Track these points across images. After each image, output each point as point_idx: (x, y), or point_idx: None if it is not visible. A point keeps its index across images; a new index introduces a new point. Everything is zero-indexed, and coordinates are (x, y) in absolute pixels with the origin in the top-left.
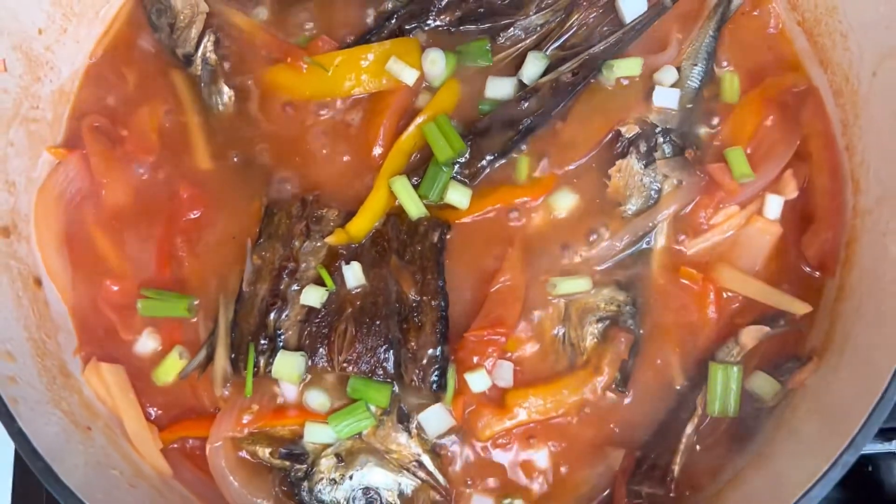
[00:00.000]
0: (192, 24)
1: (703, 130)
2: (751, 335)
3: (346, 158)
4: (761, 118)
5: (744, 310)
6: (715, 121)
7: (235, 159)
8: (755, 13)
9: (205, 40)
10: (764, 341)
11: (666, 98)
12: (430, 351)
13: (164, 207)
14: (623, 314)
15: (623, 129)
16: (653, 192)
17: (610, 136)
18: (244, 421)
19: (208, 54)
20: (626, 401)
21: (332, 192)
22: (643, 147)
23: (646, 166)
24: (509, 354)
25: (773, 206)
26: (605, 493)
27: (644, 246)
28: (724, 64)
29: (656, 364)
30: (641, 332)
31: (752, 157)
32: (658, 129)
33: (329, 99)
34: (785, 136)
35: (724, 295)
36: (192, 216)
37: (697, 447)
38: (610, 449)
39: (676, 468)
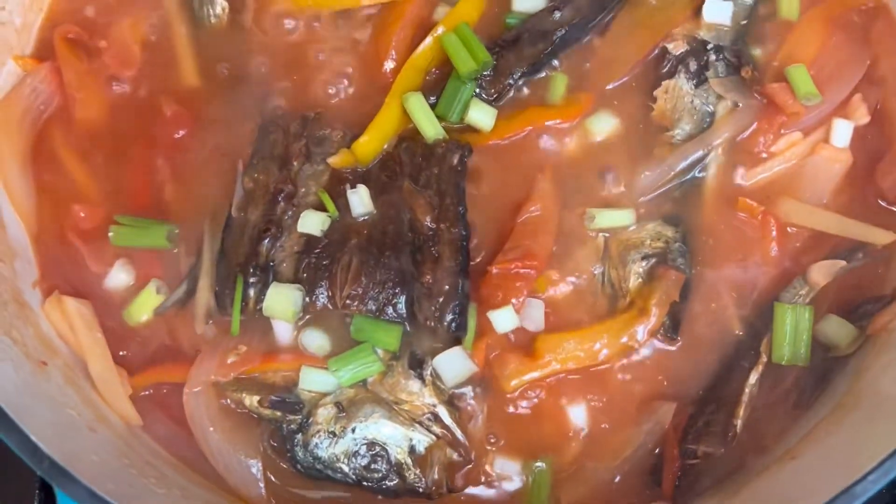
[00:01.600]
0: None
1: (758, 51)
2: (822, 271)
3: (352, 75)
4: (824, 37)
5: (810, 247)
6: (772, 40)
7: (226, 72)
8: None
9: None
10: (837, 280)
11: (718, 12)
12: (448, 285)
13: (145, 127)
14: (671, 251)
15: (670, 46)
16: (705, 116)
17: (655, 53)
18: (229, 363)
19: None
20: (675, 349)
21: (336, 113)
22: (693, 66)
23: (696, 87)
24: (540, 295)
25: (842, 132)
26: (655, 453)
27: (696, 175)
28: None
29: (710, 308)
30: (693, 272)
31: (816, 79)
32: (710, 46)
33: (334, 10)
34: (852, 56)
35: (788, 230)
36: (177, 136)
37: (761, 402)
38: (659, 403)
39: (739, 423)
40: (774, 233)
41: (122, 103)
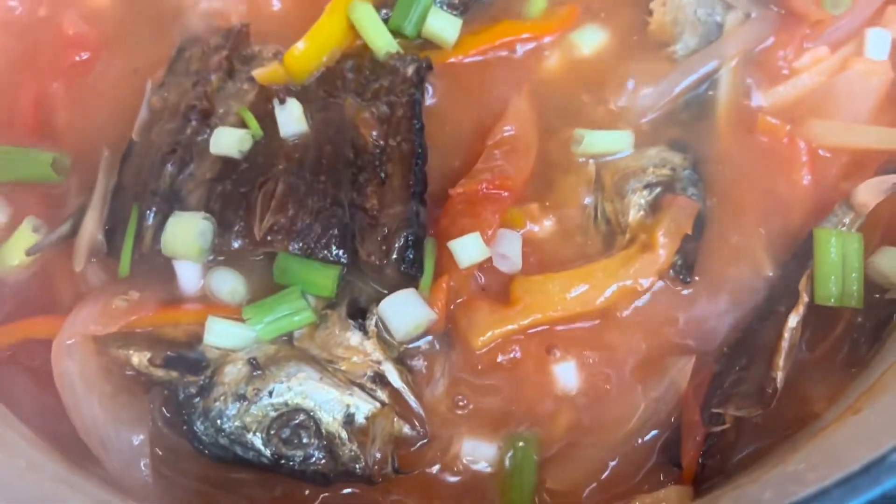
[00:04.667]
0: None
1: None
2: (871, 190)
3: None
4: None
5: (850, 171)
6: None
7: None
8: None
9: None
10: (890, 205)
11: None
12: (399, 211)
13: (43, 49)
14: (680, 180)
15: None
16: (712, 28)
17: None
18: (114, 308)
19: None
20: (690, 293)
21: (268, 28)
22: None
23: None
24: (517, 229)
25: (878, 42)
26: (670, 424)
27: (705, 94)
28: None
29: (731, 246)
30: (708, 204)
31: None
32: None
33: None
34: None
35: (821, 153)
36: (77, 59)
37: (806, 358)
38: (673, 359)
39: (779, 376)
40: (805, 157)
41: (17, 24)
